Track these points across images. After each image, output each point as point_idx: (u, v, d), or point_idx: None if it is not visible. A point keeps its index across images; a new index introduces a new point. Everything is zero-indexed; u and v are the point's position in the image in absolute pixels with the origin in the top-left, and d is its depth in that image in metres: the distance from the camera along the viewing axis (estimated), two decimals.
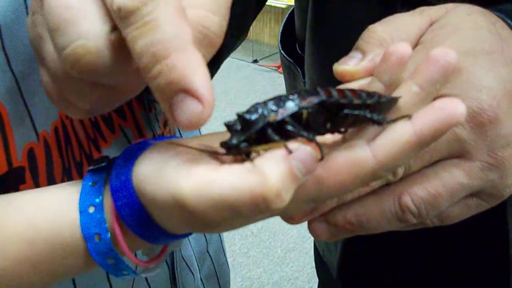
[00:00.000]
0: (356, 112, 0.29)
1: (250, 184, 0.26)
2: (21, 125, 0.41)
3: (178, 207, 0.28)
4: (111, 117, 0.50)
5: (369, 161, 0.28)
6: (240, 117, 0.28)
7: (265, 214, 0.28)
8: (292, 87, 0.69)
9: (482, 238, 0.61)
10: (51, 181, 0.43)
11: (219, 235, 0.75)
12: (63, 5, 0.27)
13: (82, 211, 0.34)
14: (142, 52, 0.26)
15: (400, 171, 0.33)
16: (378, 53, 0.35)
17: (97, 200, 0.33)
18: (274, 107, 0.28)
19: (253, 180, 0.26)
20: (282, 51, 0.67)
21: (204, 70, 0.26)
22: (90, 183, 0.34)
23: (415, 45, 0.37)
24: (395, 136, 0.28)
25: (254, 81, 3.38)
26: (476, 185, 0.34)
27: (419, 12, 0.38)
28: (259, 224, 2.22)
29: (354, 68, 0.35)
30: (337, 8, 0.56)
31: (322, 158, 0.28)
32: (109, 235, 0.33)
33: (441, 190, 0.33)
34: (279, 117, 0.28)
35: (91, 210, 0.33)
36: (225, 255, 0.77)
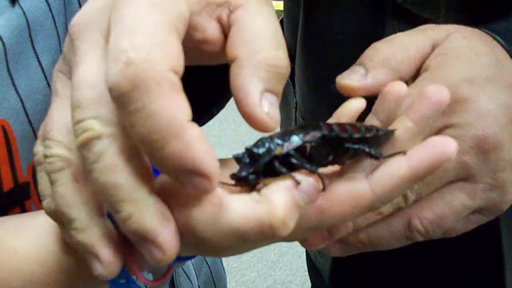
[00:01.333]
0: (356, 146, 0.31)
1: (257, 213, 0.28)
2: (26, 142, 0.42)
3: (187, 234, 0.29)
4: None
5: (367, 194, 0.30)
6: (249, 150, 0.30)
7: (271, 240, 0.29)
8: (282, 98, 0.71)
9: (476, 247, 0.62)
10: None
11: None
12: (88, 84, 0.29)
13: None
14: (138, 139, 0.26)
15: (411, 198, 0.36)
16: (381, 72, 0.37)
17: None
18: (279, 141, 0.30)
19: (261, 210, 0.28)
20: None
21: (204, 146, 0.26)
22: None
23: (418, 66, 0.39)
24: (392, 171, 0.30)
25: None
26: (478, 204, 0.37)
27: (421, 32, 0.39)
28: None
29: (357, 85, 0.37)
30: (328, 21, 0.58)
31: (324, 189, 0.30)
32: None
33: (447, 212, 0.36)
34: (284, 150, 0.30)
35: None
36: (221, 261, 0.78)
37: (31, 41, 0.42)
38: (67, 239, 0.33)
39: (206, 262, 0.73)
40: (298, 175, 0.29)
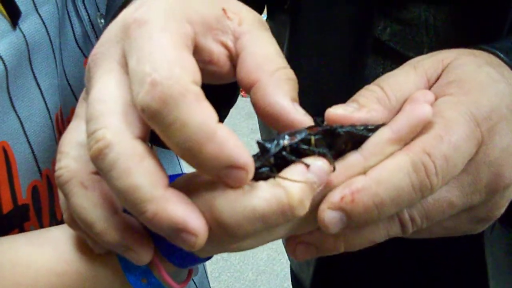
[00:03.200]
0: (347, 128, 0.33)
1: (277, 196, 0.30)
2: (26, 164, 0.42)
3: (217, 225, 0.31)
4: None
5: (358, 160, 0.33)
6: (260, 144, 0.33)
7: (290, 221, 0.32)
8: (266, 130, 0.72)
9: (458, 253, 0.64)
10: (53, 218, 0.45)
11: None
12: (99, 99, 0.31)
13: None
14: (177, 150, 0.29)
15: (410, 231, 0.35)
16: (376, 108, 0.36)
17: None
18: (287, 136, 0.32)
19: (280, 192, 0.30)
20: None
21: (235, 142, 0.29)
22: None
23: None
24: (378, 136, 0.34)
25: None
26: (461, 230, 0.37)
27: (413, 68, 0.39)
28: None
29: (350, 115, 0.36)
30: (314, 41, 0.60)
31: (334, 169, 0.33)
32: None
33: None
34: (292, 142, 0.32)
35: None
36: (207, 280, 0.79)
37: (30, 64, 0.43)
38: (93, 248, 0.35)
39: (194, 282, 0.73)
40: (308, 159, 0.32)
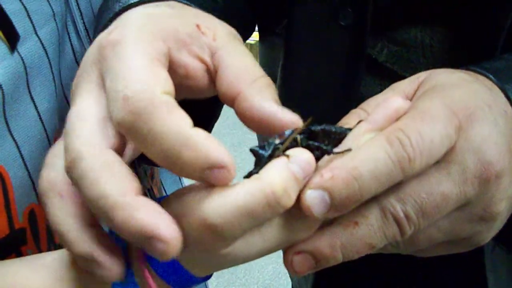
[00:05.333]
0: (323, 126, 0.35)
1: (260, 187, 0.31)
2: (23, 187, 0.42)
3: (202, 227, 0.31)
4: None
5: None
6: (253, 151, 0.34)
7: (278, 213, 0.32)
8: (262, 138, 0.72)
9: (457, 264, 0.63)
10: (51, 242, 0.44)
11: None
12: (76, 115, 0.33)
13: None
14: (157, 159, 0.30)
15: (409, 232, 0.35)
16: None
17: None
18: (277, 138, 0.34)
19: (261, 184, 0.31)
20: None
21: (212, 143, 0.30)
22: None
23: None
24: (356, 130, 0.35)
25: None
26: (460, 235, 0.36)
27: (391, 90, 0.40)
28: None
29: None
30: (307, 64, 0.60)
31: (330, 153, 0.34)
32: (133, 271, 0.35)
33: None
34: (282, 140, 0.34)
35: None
36: None
37: (28, 87, 0.42)
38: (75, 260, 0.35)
39: None
40: (290, 151, 0.33)
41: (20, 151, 0.42)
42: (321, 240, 0.35)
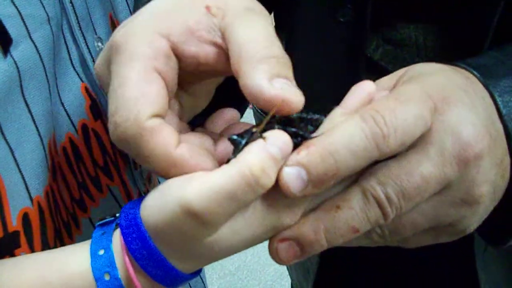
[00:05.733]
0: (299, 114, 0.35)
1: (238, 169, 0.32)
2: (16, 191, 0.42)
3: (185, 213, 0.32)
4: (98, 177, 0.52)
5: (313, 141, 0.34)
6: (230, 139, 0.35)
7: (259, 193, 0.32)
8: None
9: (449, 263, 0.63)
10: (45, 244, 0.44)
11: (203, 282, 0.76)
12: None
13: (93, 254, 0.36)
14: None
15: (391, 215, 0.35)
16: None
17: (107, 243, 0.36)
18: (253, 128, 0.35)
19: (240, 165, 0.32)
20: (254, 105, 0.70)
21: (194, 158, 0.34)
22: (100, 233, 0.37)
23: None
24: (331, 114, 0.36)
25: None
26: (445, 220, 0.36)
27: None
28: (237, 263, 2.22)
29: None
30: (307, 61, 0.60)
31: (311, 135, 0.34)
32: (118, 271, 0.36)
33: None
34: (259, 128, 0.34)
35: (101, 252, 0.36)
36: None
37: (22, 90, 0.43)
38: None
39: None
40: (266, 133, 0.33)
41: (13, 154, 0.42)
42: (305, 225, 0.35)
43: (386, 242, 0.38)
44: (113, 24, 0.60)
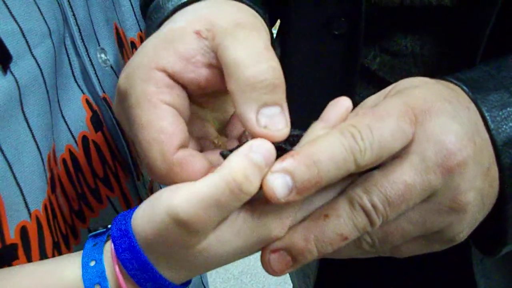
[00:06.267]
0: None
1: (221, 176, 0.33)
2: (14, 204, 0.43)
3: (173, 222, 0.33)
4: (98, 188, 0.53)
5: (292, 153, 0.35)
6: (222, 154, 0.36)
7: (242, 200, 0.34)
8: None
9: (447, 266, 0.64)
10: (43, 256, 0.45)
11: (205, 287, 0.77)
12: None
13: (84, 266, 0.37)
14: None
15: (378, 221, 0.36)
16: None
17: (98, 254, 0.37)
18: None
19: (223, 173, 0.33)
20: None
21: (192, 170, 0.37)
22: (92, 244, 0.38)
23: None
24: (311, 129, 0.37)
25: None
26: (433, 227, 0.37)
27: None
28: (240, 267, 2.22)
29: None
30: (302, 72, 0.61)
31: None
32: (108, 282, 0.37)
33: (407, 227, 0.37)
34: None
35: (92, 263, 0.37)
36: None
37: (21, 105, 0.43)
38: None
39: None
40: (248, 142, 0.34)
41: (11, 169, 0.42)
42: (295, 235, 0.36)
43: (378, 252, 0.39)
44: (118, 33, 0.60)
